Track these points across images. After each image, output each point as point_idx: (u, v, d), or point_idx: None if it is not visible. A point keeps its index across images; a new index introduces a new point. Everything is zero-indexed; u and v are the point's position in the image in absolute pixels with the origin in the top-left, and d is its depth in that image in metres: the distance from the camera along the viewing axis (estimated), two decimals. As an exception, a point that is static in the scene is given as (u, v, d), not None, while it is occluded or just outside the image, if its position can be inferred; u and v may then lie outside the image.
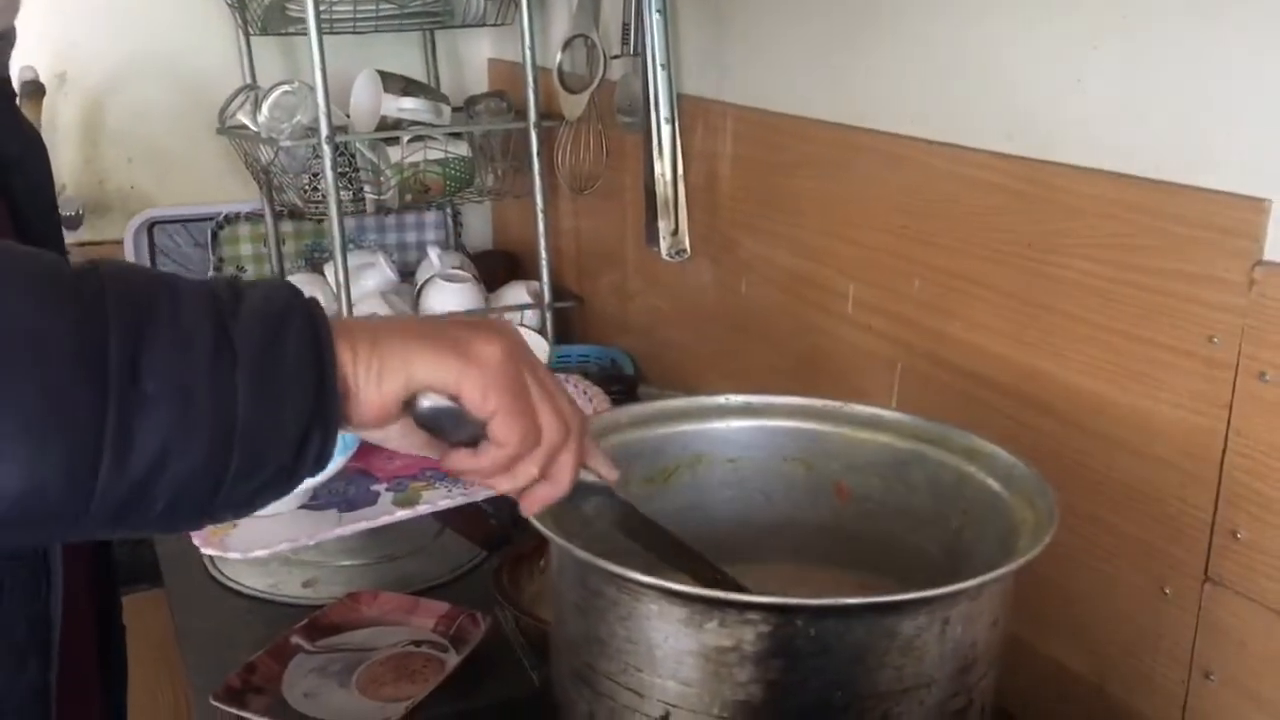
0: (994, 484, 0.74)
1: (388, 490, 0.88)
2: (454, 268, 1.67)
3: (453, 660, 1.01)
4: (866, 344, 1.09)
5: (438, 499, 0.86)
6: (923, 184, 0.99)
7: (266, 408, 0.51)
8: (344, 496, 0.86)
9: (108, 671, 0.90)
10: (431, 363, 0.57)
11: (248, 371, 0.50)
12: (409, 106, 1.55)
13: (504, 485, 0.62)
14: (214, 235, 1.81)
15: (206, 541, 0.78)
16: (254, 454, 0.50)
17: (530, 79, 1.56)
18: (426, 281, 1.64)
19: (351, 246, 1.81)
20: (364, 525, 0.81)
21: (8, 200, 0.74)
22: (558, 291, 1.66)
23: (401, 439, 0.60)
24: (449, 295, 1.60)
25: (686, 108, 1.33)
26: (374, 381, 0.55)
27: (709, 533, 0.84)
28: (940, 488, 0.78)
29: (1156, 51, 0.78)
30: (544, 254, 1.62)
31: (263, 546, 0.77)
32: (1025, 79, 0.88)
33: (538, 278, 1.65)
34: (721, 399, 0.85)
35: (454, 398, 0.58)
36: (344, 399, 0.55)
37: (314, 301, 0.55)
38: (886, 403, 1.06)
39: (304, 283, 1.65)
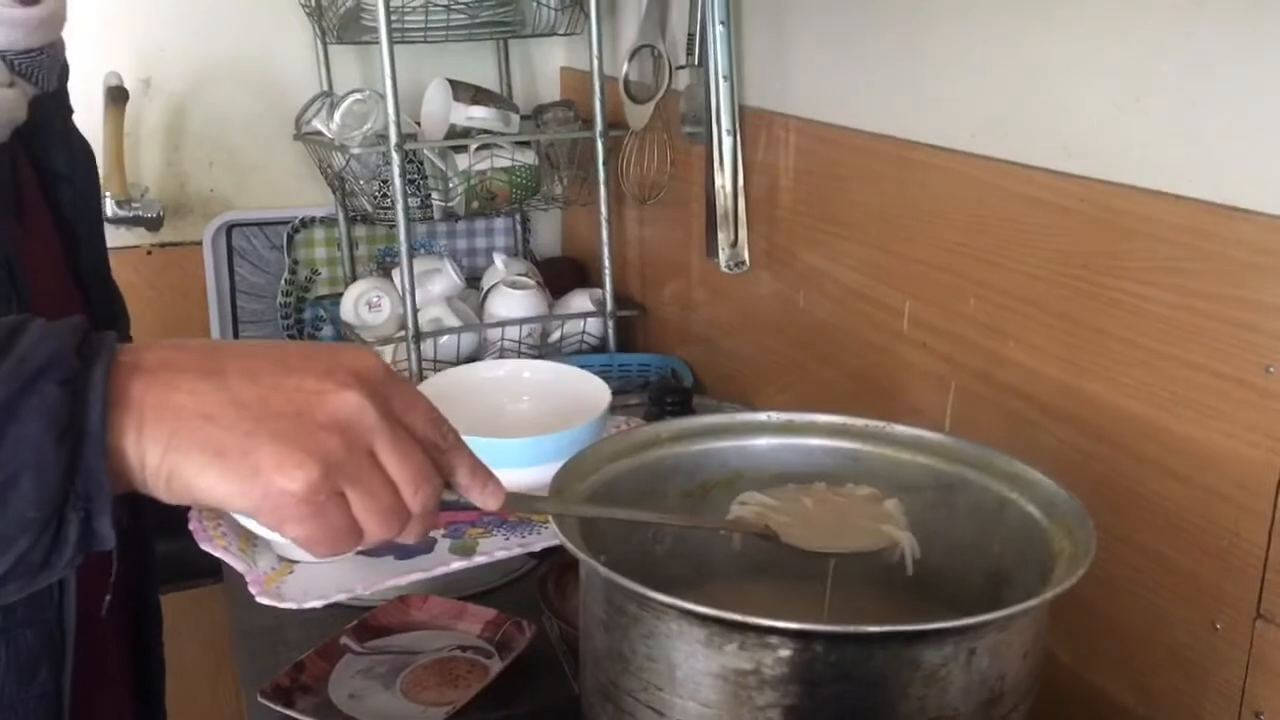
0: (1034, 511, 0.72)
1: (445, 537, 0.88)
2: (519, 274, 1.68)
3: (496, 666, 1.01)
4: (921, 362, 1.07)
5: (494, 548, 0.85)
6: (980, 201, 0.98)
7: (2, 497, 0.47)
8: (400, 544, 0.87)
9: (142, 674, 0.90)
10: (220, 491, 0.51)
11: None
12: (477, 115, 1.56)
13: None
14: (289, 238, 1.85)
15: (263, 591, 0.78)
16: None
17: (597, 88, 1.57)
18: (491, 287, 1.66)
19: (421, 251, 1.84)
20: (420, 576, 0.81)
21: (55, 210, 0.76)
22: (620, 300, 1.66)
23: None
24: (513, 301, 1.62)
25: (748, 119, 1.33)
26: (164, 489, 0.52)
27: (743, 550, 0.83)
28: (982, 513, 0.77)
29: (1219, 70, 0.76)
30: (607, 262, 1.62)
31: (319, 597, 0.77)
32: (1084, 97, 0.86)
33: (602, 285, 1.66)
34: (763, 416, 0.84)
35: None
36: (124, 476, 0.51)
37: (98, 350, 0.50)
38: (940, 422, 1.04)
39: (371, 287, 1.68)
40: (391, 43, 1.43)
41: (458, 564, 0.83)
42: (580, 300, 1.68)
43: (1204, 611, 0.79)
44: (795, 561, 0.82)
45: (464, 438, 0.58)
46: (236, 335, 1.85)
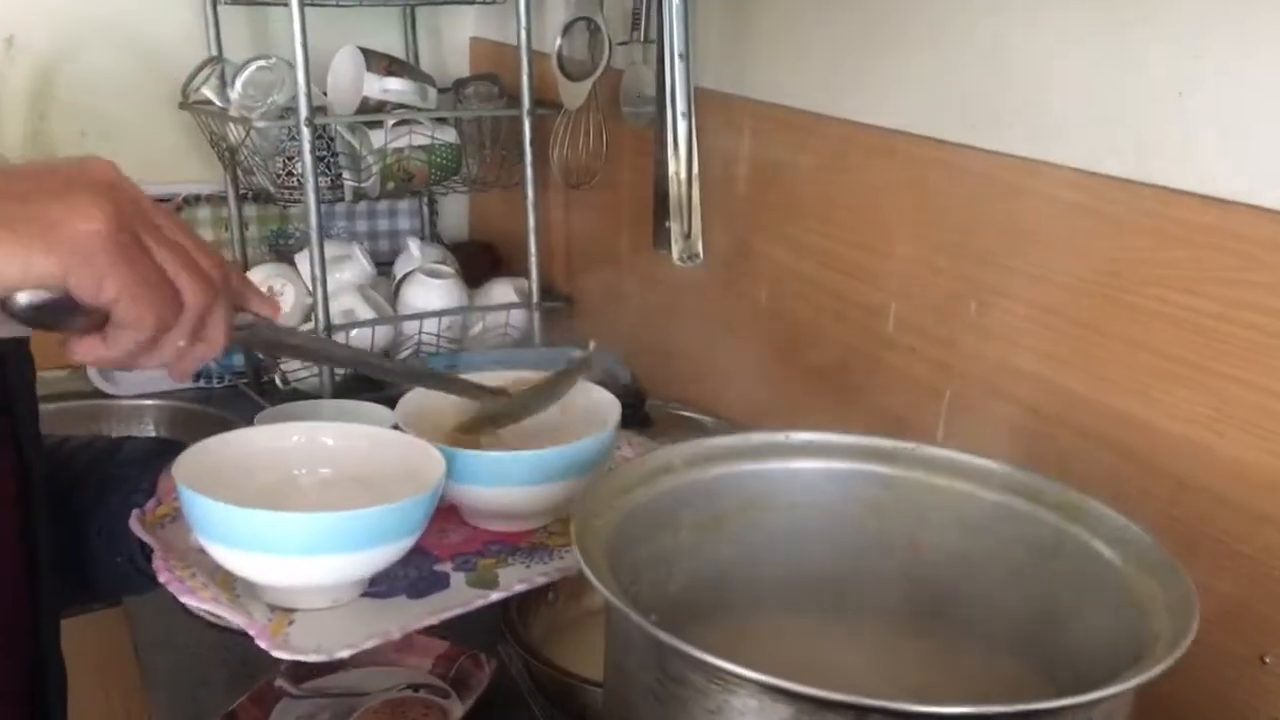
0: (1102, 548, 0.66)
1: (455, 570, 0.78)
2: (436, 262, 1.56)
3: (456, 709, 0.91)
4: (909, 368, 1.01)
5: (514, 581, 0.76)
6: (984, 199, 0.91)
7: None
8: (408, 580, 0.75)
9: (38, 707, 0.80)
10: (17, 259, 0.49)
11: None
12: (394, 88, 1.43)
13: (151, 363, 0.55)
14: (171, 218, 1.68)
15: (273, 645, 0.67)
16: None
17: (525, 62, 1.46)
18: (406, 276, 1.53)
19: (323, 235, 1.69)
20: (458, 611, 0.71)
21: None
22: (545, 290, 1.56)
23: (8, 333, 0.53)
24: (432, 291, 1.50)
25: (702, 102, 1.24)
26: None
27: (764, 584, 0.75)
28: (1032, 546, 0.70)
29: (1271, 62, 0.70)
30: (533, 250, 1.52)
31: (346, 645, 0.66)
32: (1115, 89, 0.80)
33: (524, 274, 1.55)
34: (781, 436, 0.76)
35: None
36: None
37: None
38: (931, 433, 0.98)
39: (272, 274, 1.53)
40: (303, 3, 1.29)
41: (479, 600, 0.74)
42: (503, 290, 1.57)
43: (1252, 644, 0.74)
44: (824, 587, 0.75)
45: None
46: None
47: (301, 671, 0.93)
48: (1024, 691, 0.66)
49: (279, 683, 0.92)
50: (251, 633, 0.67)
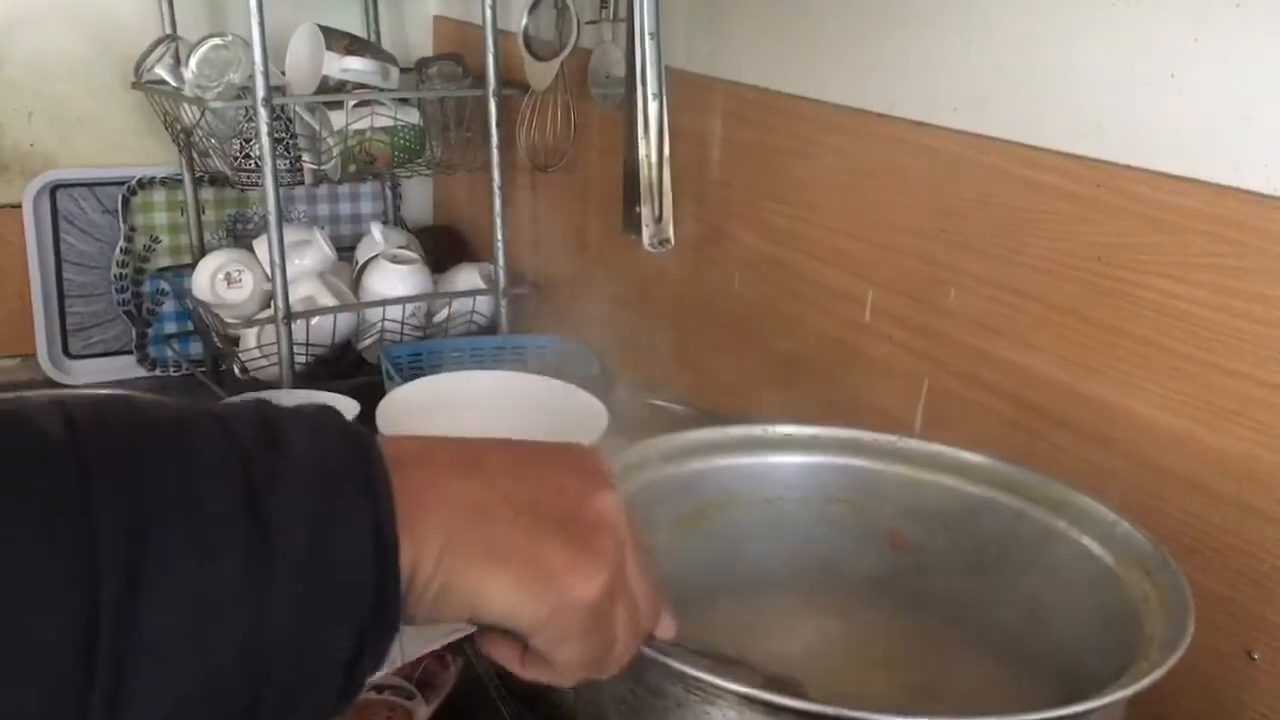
0: (1091, 545, 0.64)
1: None
2: (400, 247, 1.52)
3: (422, 710, 0.88)
4: (886, 356, 0.98)
5: None
6: (966, 183, 0.89)
7: (312, 629, 0.37)
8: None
9: None
10: (508, 603, 0.44)
11: (291, 580, 0.36)
12: (355, 67, 1.39)
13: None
14: (125, 202, 1.62)
15: None
16: (294, 688, 0.37)
17: (490, 42, 1.42)
18: (369, 261, 1.49)
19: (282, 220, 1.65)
20: (467, 631, 0.69)
21: None
22: (512, 276, 1.52)
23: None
24: (395, 278, 1.46)
25: (673, 83, 1.20)
26: (429, 604, 0.43)
27: (743, 581, 0.73)
28: (1018, 542, 0.68)
29: (1275, 46, 0.68)
30: (500, 235, 1.48)
31: None
32: (1105, 72, 0.78)
33: (490, 259, 1.52)
34: (759, 429, 0.74)
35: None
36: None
37: (376, 455, 0.41)
38: (909, 423, 0.96)
39: (230, 260, 1.48)
40: (260, -19, 1.25)
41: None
42: (468, 276, 1.53)
43: (1239, 640, 0.73)
44: (804, 583, 0.72)
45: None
46: (63, 310, 1.62)
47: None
48: (1010, 693, 0.65)
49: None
50: None
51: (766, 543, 0.73)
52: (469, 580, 0.43)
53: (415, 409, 0.85)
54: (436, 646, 0.69)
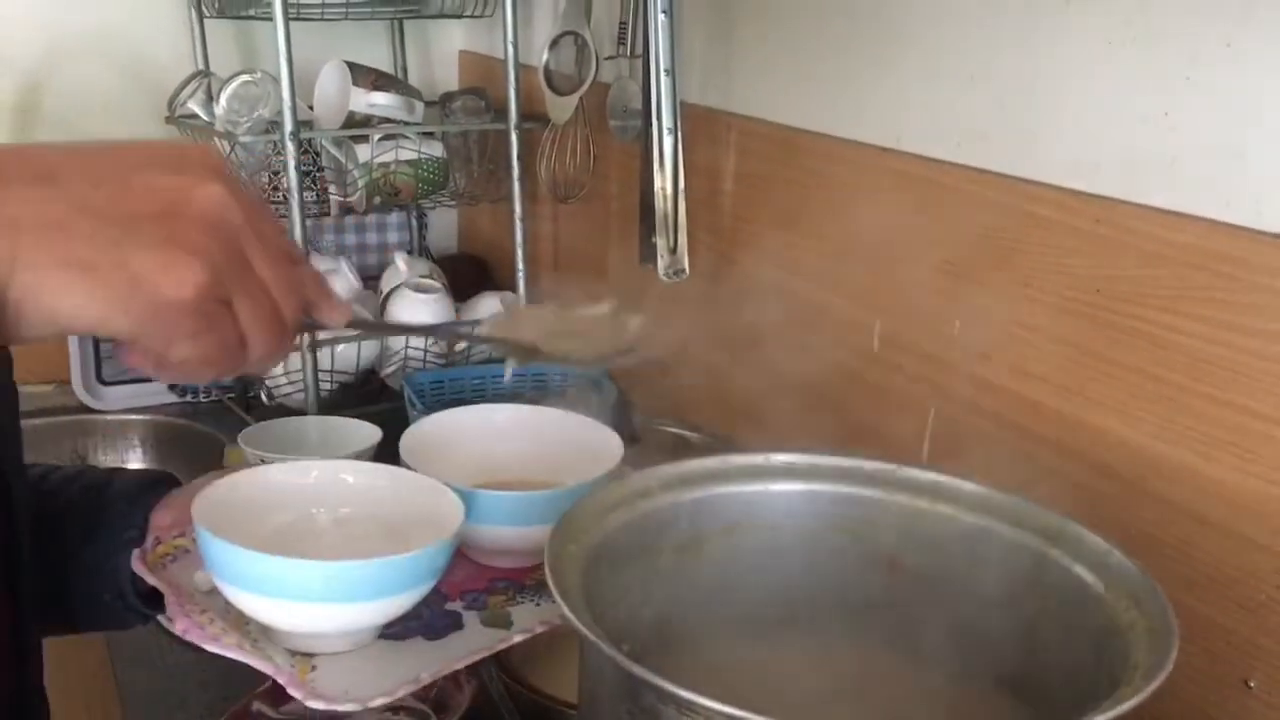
0: (1084, 573, 0.65)
1: (466, 609, 0.77)
2: (423, 276, 1.55)
3: (437, 732, 0.90)
4: (895, 386, 1.00)
5: (534, 622, 0.76)
6: (968, 217, 0.90)
7: None
8: (422, 621, 0.75)
9: None
10: (92, 313, 0.43)
11: None
12: (380, 102, 1.43)
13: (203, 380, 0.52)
14: (158, 231, 1.67)
15: (305, 693, 0.66)
16: None
17: (511, 76, 1.45)
18: (393, 290, 1.52)
19: (310, 249, 1.69)
20: (484, 654, 0.72)
21: None
22: (533, 303, 1.55)
23: None
24: (419, 306, 1.49)
25: (688, 117, 1.23)
26: (11, 319, 0.43)
27: (744, 608, 0.75)
28: (1013, 571, 0.69)
29: (1266, 84, 0.70)
30: (521, 265, 1.51)
31: (380, 694, 0.66)
32: (1101, 109, 0.80)
33: (511, 287, 1.55)
34: (760, 458, 0.75)
35: None
36: None
37: None
38: (917, 451, 0.97)
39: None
40: (287, 18, 1.29)
41: (516, 637, 0.74)
42: (490, 304, 1.56)
43: (1235, 668, 0.74)
44: (803, 611, 0.74)
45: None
46: (98, 364, 1.65)
47: (280, 695, 0.92)
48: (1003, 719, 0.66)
49: (256, 705, 0.91)
50: (280, 680, 0.66)
51: (767, 570, 0.75)
52: (46, 295, 0.42)
53: (435, 440, 0.88)
54: (457, 667, 0.71)
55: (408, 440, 0.87)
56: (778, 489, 0.75)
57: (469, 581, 0.80)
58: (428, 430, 0.90)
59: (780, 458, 0.75)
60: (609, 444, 0.86)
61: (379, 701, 0.66)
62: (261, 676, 0.88)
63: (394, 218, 1.83)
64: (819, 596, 0.74)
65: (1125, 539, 0.75)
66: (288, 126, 1.31)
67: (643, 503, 0.70)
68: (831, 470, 0.75)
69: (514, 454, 0.91)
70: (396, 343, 1.48)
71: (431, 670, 0.69)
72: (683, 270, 1.24)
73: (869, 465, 0.74)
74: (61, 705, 0.86)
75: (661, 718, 0.53)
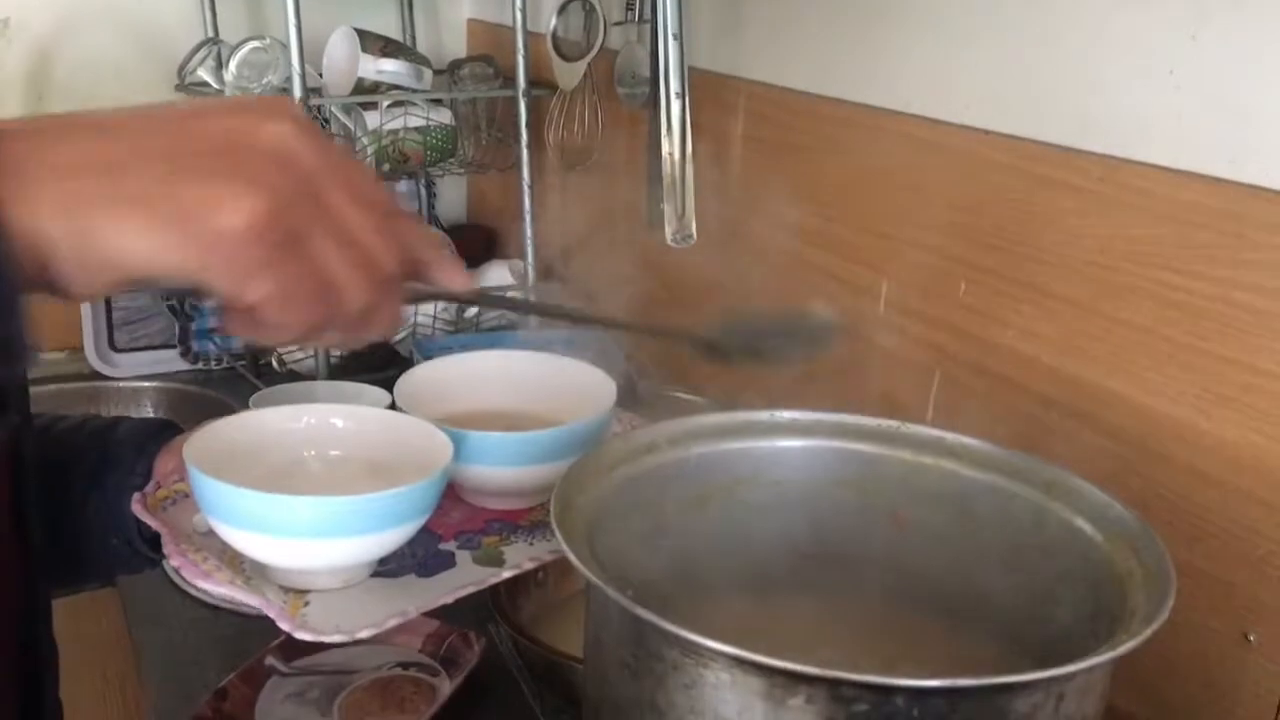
0: (1084, 525, 0.66)
1: (460, 548, 0.78)
2: (432, 244, 1.56)
3: (445, 686, 0.92)
4: (900, 348, 1.00)
5: (523, 558, 0.77)
6: (975, 178, 0.91)
7: None
8: (415, 559, 0.76)
9: (30, 689, 0.78)
10: (146, 248, 0.41)
11: None
12: (389, 69, 1.43)
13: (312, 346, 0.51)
14: (169, 200, 1.67)
15: (294, 626, 0.67)
16: None
17: (520, 43, 1.46)
18: (402, 258, 1.53)
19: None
20: (472, 589, 0.72)
21: None
22: (541, 272, 1.56)
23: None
24: (427, 273, 1.49)
25: (696, 82, 1.23)
26: (73, 267, 0.41)
27: (748, 562, 0.76)
28: (1014, 523, 0.70)
29: (1270, 44, 0.70)
30: (529, 232, 1.52)
31: (367, 626, 0.66)
32: (1106, 68, 0.80)
33: (520, 256, 1.55)
34: (765, 415, 0.76)
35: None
36: (41, 274, 0.41)
37: None
38: (922, 413, 0.98)
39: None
40: (296, -15, 1.29)
41: (505, 573, 0.75)
42: (499, 272, 1.57)
43: (1235, 622, 0.75)
44: (807, 565, 0.75)
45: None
46: (109, 305, 1.67)
47: (292, 650, 0.94)
48: (1004, 666, 0.67)
49: (269, 660, 0.93)
50: (270, 614, 0.67)
51: (771, 525, 0.75)
52: (101, 234, 0.41)
53: (430, 386, 0.88)
54: (446, 600, 0.72)
55: (403, 385, 0.87)
56: (782, 445, 0.76)
57: (465, 523, 0.81)
58: (422, 376, 0.91)
59: (785, 414, 0.76)
60: (603, 387, 0.87)
61: (366, 633, 0.67)
62: (275, 631, 0.90)
63: (404, 186, 1.83)
64: (823, 550, 0.75)
65: (1128, 496, 0.76)
66: (297, 93, 1.31)
67: (648, 458, 0.71)
68: (835, 426, 0.76)
69: (509, 398, 0.91)
70: (405, 309, 1.49)
71: (417, 604, 0.70)
72: (690, 235, 1.24)
73: (871, 422, 0.75)
74: (77, 661, 0.88)
75: (665, 659, 0.55)
